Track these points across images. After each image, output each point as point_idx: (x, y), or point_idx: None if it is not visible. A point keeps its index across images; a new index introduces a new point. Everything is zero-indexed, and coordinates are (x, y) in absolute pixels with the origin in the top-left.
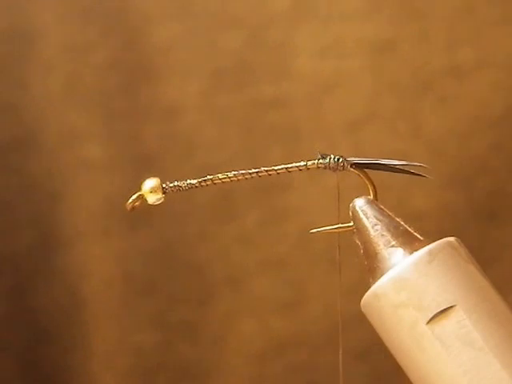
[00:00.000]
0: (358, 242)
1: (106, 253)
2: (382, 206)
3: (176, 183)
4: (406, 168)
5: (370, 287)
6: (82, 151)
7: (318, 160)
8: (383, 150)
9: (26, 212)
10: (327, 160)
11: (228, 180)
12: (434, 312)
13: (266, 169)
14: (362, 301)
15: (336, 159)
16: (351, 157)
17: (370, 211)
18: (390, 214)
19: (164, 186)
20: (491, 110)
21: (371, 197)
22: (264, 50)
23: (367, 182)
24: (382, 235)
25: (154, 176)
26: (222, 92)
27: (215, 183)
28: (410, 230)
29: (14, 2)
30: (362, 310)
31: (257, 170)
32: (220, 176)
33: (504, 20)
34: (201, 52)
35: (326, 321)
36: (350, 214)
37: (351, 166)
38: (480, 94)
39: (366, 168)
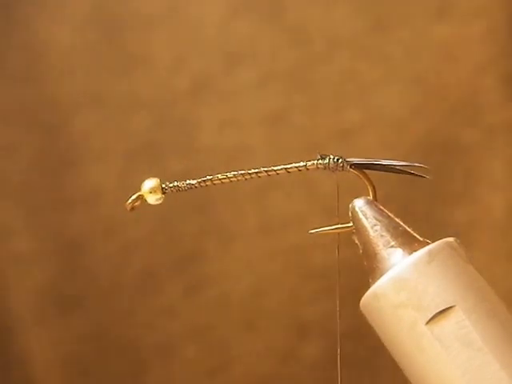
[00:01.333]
0: (357, 242)
1: (44, 338)
2: (381, 207)
3: (175, 183)
4: (406, 169)
5: (369, 287)
6: (10, 244)
7: (318, 160)
8: (282, 213)
9: None
10: (326, 160)
11: (227, 180)
12: (434, 312)
13: (265, 169)
14: (362, 301)
15: (335, 160)
16: (351, 157)
17: (369, 212)
18: (390, 214)
19: (163, 186)
20: None
21: (370, 197)
22: (170, 128)
23: (366, 182)
24: (382, 236)
25: None
26: (136, 171)
27: (215, 183)
28: (409, 230)
29: None
30: (362, 310)
31: (256, 171)
32: (220, 176)
33: (385, 79)
34: (114, 137)
35: (250, 382)
36: (350, 214)
37: (350, 167)
38: (367, 151)
39: (366, 168)
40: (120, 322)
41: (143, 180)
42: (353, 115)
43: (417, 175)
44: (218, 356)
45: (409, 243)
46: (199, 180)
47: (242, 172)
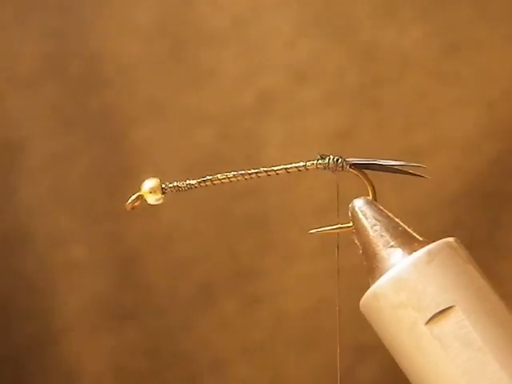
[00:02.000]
0: (357, 242)
1: (95, 349)
2: (381, 207)
3: (175, 183)
4: (405, 168)
5: (369, 287)
6: (68, 252)
7: (317, 161)
8: (346, 232)
9: (21, 310)
10: (326, 160)
11: (227, 180)
12: (433, 312)
13: (265, 169)
14: (361, 301)
15: (335, 160)
16: (350, 157)
17: (369, 212)
18: (389, 214)
19: (163, 186)
20: (448, 189)
21: (370, 197)
22: (234, 143)
23: (366, 182)
24: (381, 236)
25: None
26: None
27: (214, 183)
28: (409, 230)
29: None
30: (361, 310)
31: (256, 171)
32: (219, 176)
33: (456, 102)
34: (176, 149)
35: None
36: (350, 214)
37: (350, 167)
38: (436, 173)
39: (365, 168)
40: (174, 336)
41: (202, 194)
42: (422, 137)
43: (416, 175)
44: (271, 375)
45: (408, 243)
46: (199, 180)
47: (242, 172)
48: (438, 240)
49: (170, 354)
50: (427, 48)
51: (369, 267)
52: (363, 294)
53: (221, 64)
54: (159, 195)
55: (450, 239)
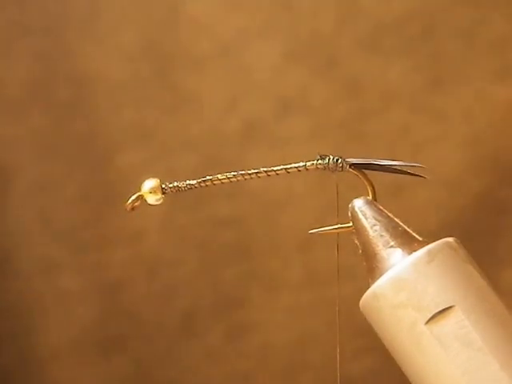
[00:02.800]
0: (357, 242)
1: (82, 378)
2: (380, 207)
3: (175, 184)
4: (404, 168)
5: (369, 287)
6: (55, 280)
7: (317, 161)
8: (330, 266)
9: (5, 338)
10: (326, 161)
11: (227, 180)
12: (433, 312)
13: (264, 169)
14: (361, 301)
15: (335, 160)
16: (350, 157)
17: (368, 212)
18: (389, 214)
19: (163, 186)
20: (428, 224)
21: (370, 197)
22: (218, 169)
23: (366, 182)
24: (381, 236)
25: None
26: (180, 212)
27: (215, 183)
28: (408, 230)
29: None
30: (361, 310)
31: (256, 171)
32: (219, 176)
33: (440, 137)
34: (160, 175)
35: None
36: (349, 214)
37: (350, 167)
38: (418, 209)
39: (365, 169)
40: (161, 363)
41: (187, 221)
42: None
43: (415, 175)
44: None
45: (408, 243)
46: (199, 180)
47: (242, 172)
48: (437, 240)
49: (157, 382)
50: (412, 82)
51: (369, 267)
52: (348, 327)
53: (206, 89)
54: (159, 195)
55: (450, 239)
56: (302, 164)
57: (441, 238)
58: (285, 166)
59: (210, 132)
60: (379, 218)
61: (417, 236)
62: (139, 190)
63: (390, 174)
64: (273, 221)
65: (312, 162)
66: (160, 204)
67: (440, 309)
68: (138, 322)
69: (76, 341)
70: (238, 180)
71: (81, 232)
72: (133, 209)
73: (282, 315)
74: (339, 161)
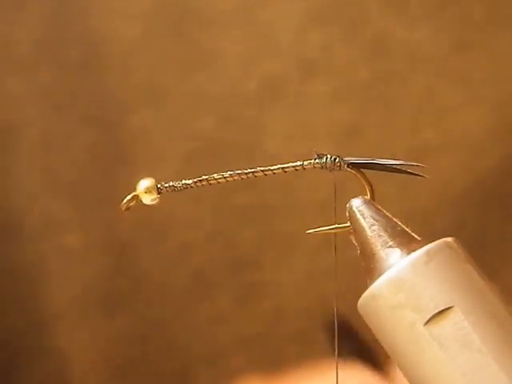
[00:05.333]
0: (355, 242)
1: (87, 337)
2: (379, 207)
3: (171, 183)
4: (403, 168)
5: (367, 288)
6: (61, 239)
7: (315, 160)
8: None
9: (9, 296)
10: (324, 160)
11: (224, 180)
12: (432, 313)
13: (261, 168)
14: (359, 302)
15: (333, 159)
16: (348, 156)
17: (366, 211)
18: (388, 214)
19: (159, 186)
20: (454, 189)
21: (368, 197)
22: (235, 131)
23: (364, 182)
24: (380, 236)
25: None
26: (195, 172)
27: (211, 183)
28: (407, 230)
29: None
30: (359, 311)
31: (253, 170)
32: (215, 176)
33: (465, 101)
34: (175, 135)
35: None
36: (347, 214)
37: (348, 166)
38: (442, 173)
39: (363, 168)
40: (167, 325)
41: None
42: (429, 135)
43: (415, 174)
44: (267, 369)
45: (407, 243)
46: (195, 180)
47: (239, 172)
48: (436, 240)
49: (162, 345)
50: (437, 45)
51: (367, 267)
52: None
53: (223, 48)
54: (155, 195)
55: (449, 239)
56: (299, 163)
57: (465, 205)
58: (282, 166)
59: (228, 92)
60: (377, 217)
61: (415, 236)
62: (134, 189)
63: (389, 171)
64: (290, 182)
65: (310, 161)
66: (173, 163)
67: (439, 309)
68: (146, 282)
69: (80, 301)
70: (234, 179)
71: (88, 191)
72: (128, 209)
73: (297, 278)
74: (337, 160)
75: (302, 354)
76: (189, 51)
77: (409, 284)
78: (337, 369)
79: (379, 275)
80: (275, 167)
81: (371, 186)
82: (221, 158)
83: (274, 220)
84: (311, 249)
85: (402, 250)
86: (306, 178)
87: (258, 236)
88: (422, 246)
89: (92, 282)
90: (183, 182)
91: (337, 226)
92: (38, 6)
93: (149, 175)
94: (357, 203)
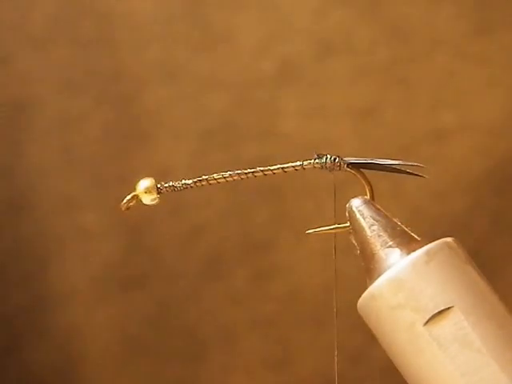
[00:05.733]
0: (354, 242)
1: (102, 316)
2: (378, 207)
3: (171, 183)
4: (403, 168)
5: (366, 288)
6: (76, 217)
7: (315, 160)
8: None
9: (17, 274)
10: (323, 160)
11: (223, 180)
12: (432, 313)
13: (261, 169)
14: (359, 302)
15: (332, 159)
16: (348, 156)
17: (366, 211)
18: (387, 214)
19: (159, 186)
20: (472, 171)
21: (368, 197)
22: (249, 112)
23: (364, 181)
24: (379, 236)
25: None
26: (209, 152)
27: (210, 183)
28: (407, 230)
29: (11, 72)
30: (359, 311)
31: (252, 170)
32: (215, 176)
33: (485, 84)
34: (189, 114)
35: (315, 380)
36: (347, 214)
37: (347, 166)
38: (461, 156)
39: (363, 168)
40: (182, 304)
41: (216, 162)
42: (448, 117)
43: (414, 174)
44: (280, 349)
45: (407, 243)
46: (195, 180)
47: (239, 172)
48: (436, 240)
49: (177, 324)
50: (457, 27)
51: (366, 267)
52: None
53: (238, 27)
54: (154, 195)
55: (449, 239)
56: (298, 163)
57: (483, 189)
58: (281, 166)
59: (243, 71)
60: (377, 217)
61: (415, 236)
62: (134, 189)
63: (389, 171)
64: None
65: (309, 161)
66: (188, 142)
67: (439, 310)
68: (161, 261)
69: (95, 279)
70: (234, 179)
71: (103, 168)
72: (128, 209)
73: (311, 259)
74: (337, 160)
75: (316, 335)
76: (202, 30)
77: (408, 284)
78: (336, 370)
79: (379, 275)
80: (275, 167)
81: (371, 186)
82: (233, 139)
83: (288, 200)
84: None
85: (401, 250)
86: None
87: (272, 216)
88: (422, 246)
89: (107, 260)
90: (183, 181)
91: (337, 225)
92: None
93: (164, 154)
94: (357, 203)
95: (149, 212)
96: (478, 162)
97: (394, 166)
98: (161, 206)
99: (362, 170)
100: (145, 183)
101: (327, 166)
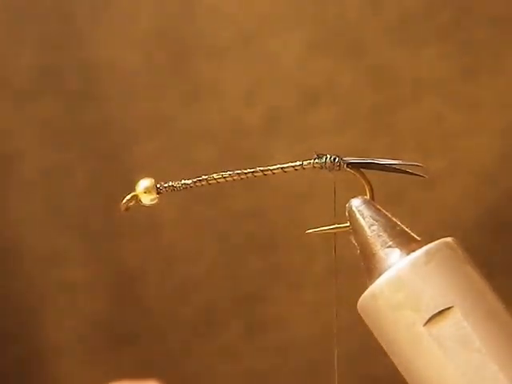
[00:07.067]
0: (354, 242)
1: (90, 374)
2: (378, 206)
3: (170, 183)
4: (402, 167)
5: (366, 288)
6: (64, 271)
7: (314, 160)
8: (354, 259)
9: (9, 331)
10: (323, 160)
11: (223, 180)
12: (432, 313)
13: (261, 169)
14: (359, 302)
15: (332, 159)
16: (347, 156)
17: (366, 211)
18: (387, 214)
19: (158, 186)
20: (462, 217)
21: (368, 197)
22: (237, 162)
23: (364, 181)
24: (379, 236)
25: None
26: (198, 204)
27: (210, 183)
28: (407, 230)
29: None
30: (359, 311)
31: (252, 170)
32: (215, 176)
33: (473, 128)
34: (177, 166)
35: None
36: (347, 214)
37: (347, 166)
38: (450, 201)
39: (363, 168)
40: (174, 361)
41: (204, 213)
42: (436, 162)
43: (414, 174)
44: None
45: (406, 243)
46: (194, 180)
47: (238, 172)
48: (436, 240)
49: (170, 380)
50: (442, 71)
51: (366, 267)
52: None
53: (225, 78)
54: (154, 195)
55: (449, 239)
56: (298, 163)
57: (475, 232)
58: (281, 166)
59: (231, 122)
60: (377, 217)
61: (415, 236)
62: (134, 189)
63: (389, 171)
64: (295, 213)
65: (309, 161)
66: (177, 193)
67: (438, 310)
68: (151, 316)
69: (84, 336)
70: (233, 179)
71: (91, 222)
72: (127, 209)
73: (304, 311)
74: (336, 160)
75: None
76: (188, 81)
77: (408, 284)
78: (336, 370)
79: (379, 275)
80: (275, 167)
81: (371, 186)
82: (222, 190)
83: (280, 251)
84: (318, 280)
85: (401, 250)
86: (312, 205)
87: (263, 268)
88: (422, 246)
89: (95, 317)
90: (183, 181)
91: (337, 226)
92: (38, 35)
93: (153, 207)
94: (356, 203)
95: (138, 265)
96: (466, 206)
97: (393, 166)
98: (150, 259)
99: (361, 169)
100: (144, 183)
101: (327, 165)
